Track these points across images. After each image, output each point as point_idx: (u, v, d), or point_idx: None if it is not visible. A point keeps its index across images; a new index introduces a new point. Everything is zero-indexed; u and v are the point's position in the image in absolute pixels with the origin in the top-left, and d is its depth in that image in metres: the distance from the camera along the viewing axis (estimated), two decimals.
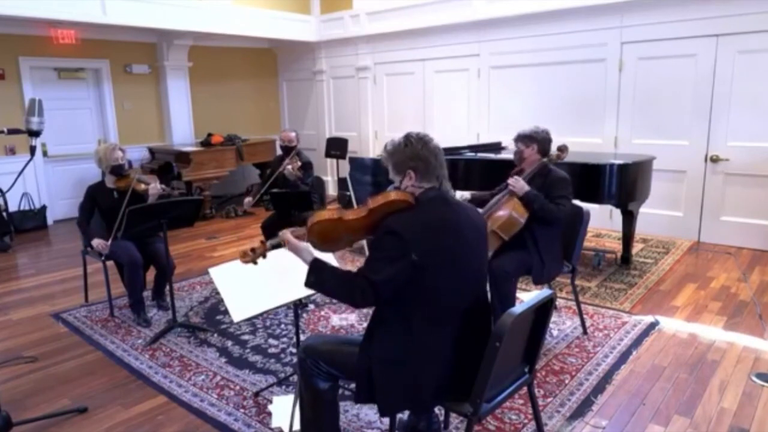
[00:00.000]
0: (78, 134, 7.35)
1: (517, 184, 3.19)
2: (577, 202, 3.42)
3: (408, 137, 1.98)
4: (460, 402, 1.92)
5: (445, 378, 1.94)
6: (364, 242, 2.19)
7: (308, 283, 1.96)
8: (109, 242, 3.76)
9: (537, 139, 3.27)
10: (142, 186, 3.89)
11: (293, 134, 4.98)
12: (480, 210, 3.34)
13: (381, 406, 1.96)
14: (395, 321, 1.93)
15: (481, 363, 1.82)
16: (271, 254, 2.11)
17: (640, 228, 5.37)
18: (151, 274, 4.05)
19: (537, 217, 3.15)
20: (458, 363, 1.95)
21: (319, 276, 1.95)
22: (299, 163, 4.77)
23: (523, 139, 3.32)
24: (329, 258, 2.46)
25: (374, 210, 1.94)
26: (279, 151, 5.26)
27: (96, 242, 3.78)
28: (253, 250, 2.08)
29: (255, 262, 2.08)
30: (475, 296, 2.03)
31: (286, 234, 2.05)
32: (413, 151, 1.95)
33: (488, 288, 3.00)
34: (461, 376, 1.94)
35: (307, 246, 2.04)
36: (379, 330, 1.97)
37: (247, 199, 4.90)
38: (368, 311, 3.77)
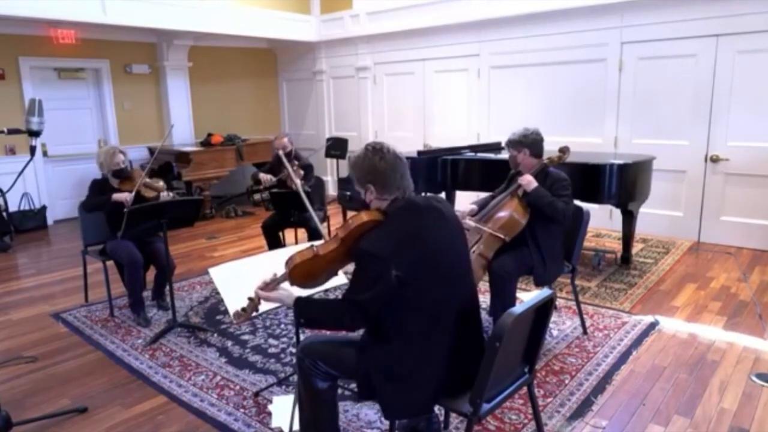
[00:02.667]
0: (78, 134, 7.35)
1: (524, 180, 3.19)
2: (577, 202, 3.42)
3: (366, 149, 1.97)
4: (460, 402, 1.92)
5: (445, 381, 1.95)
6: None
7: (300, 324, 1.97)
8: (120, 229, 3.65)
9: (526, 144, 3.26)
10: (152, 193, 3.87)
11: (286, 139, 4.81)
12: (481, 211, 3.36)
13: (385, 413, 1.99)
14: (392, 334, 1.92)
15: (479, 362, 1.82)
16: (270, 255, 2.11)
17: (640, 228, 5.37)
18: (151, 274, 4.05)
19: (542, 215, 3.15)
20: (456, 365, 1.95)
21: (306, 313, 1.97)
22: (302, 172, 4.68)
23: (513, 144, 3.31)
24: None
25: (346, 238, 1.92)
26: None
27: (117, 195, 3.74)
28: (244, 309, 2.09)
29: (250, 318, 2.08)
30: (465, 294, 2.03)
31: (258, 292, 2.05)
32: (371, 164, 1.93)
33: (488, 288, 2.99)
34: (460, 377, 1.94)
35: (281, 294, 2.03)
36: (377, 343, 1.96)
37: (267, 176, 4.80)
38: None
